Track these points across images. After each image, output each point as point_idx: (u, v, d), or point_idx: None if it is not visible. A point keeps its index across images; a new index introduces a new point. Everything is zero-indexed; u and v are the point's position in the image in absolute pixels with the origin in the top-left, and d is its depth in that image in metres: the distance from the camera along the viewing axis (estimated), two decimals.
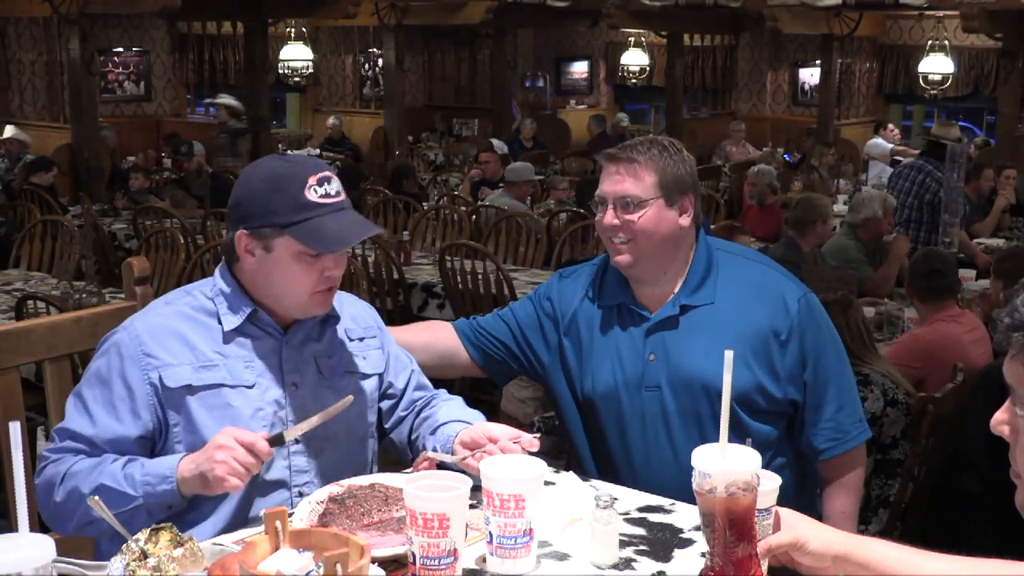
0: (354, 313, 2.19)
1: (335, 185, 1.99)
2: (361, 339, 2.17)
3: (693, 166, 2.33)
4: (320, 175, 1.97)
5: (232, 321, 2.01)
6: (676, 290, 2.31)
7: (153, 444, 1.98)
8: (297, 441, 2.02)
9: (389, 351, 2.23)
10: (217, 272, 2.07)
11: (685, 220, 2.29)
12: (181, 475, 1.85)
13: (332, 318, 2.12)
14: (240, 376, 1.99)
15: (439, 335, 2.52)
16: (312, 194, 1.95)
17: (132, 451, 1.94)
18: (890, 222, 5.84)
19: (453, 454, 2.02)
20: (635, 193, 2.25)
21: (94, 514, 1.77)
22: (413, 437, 2.21)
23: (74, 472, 1.90)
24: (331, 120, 13.56)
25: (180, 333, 1.99)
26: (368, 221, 2.06)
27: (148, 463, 1.89)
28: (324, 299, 2.02)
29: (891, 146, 11.78)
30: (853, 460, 2.36)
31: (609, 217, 2.27)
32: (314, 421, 1.90)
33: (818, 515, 2.29)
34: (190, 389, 1.95)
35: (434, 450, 2.08)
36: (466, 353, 2.49)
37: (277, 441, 1.87)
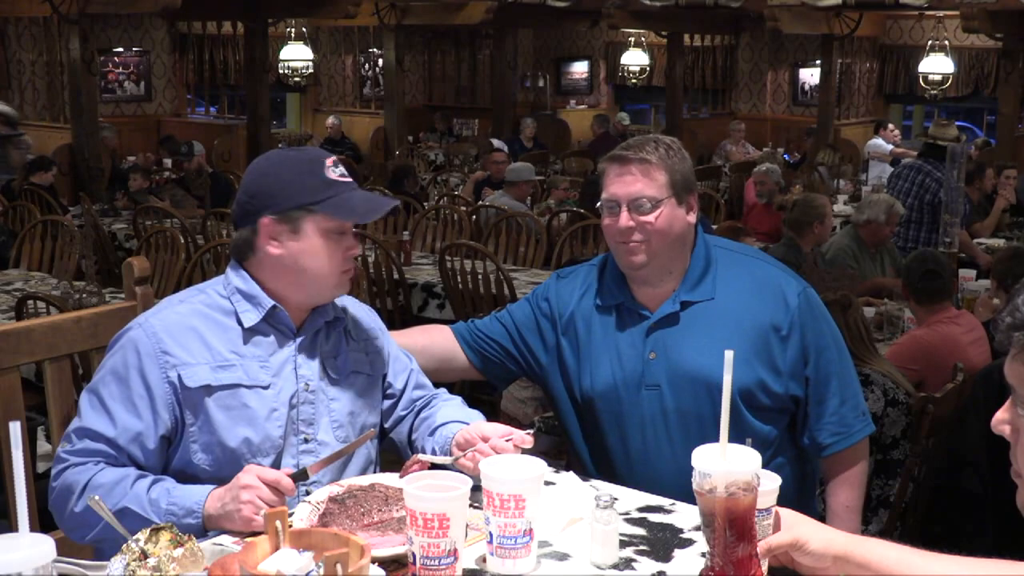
0: (356, 315, 2.20)
1: (344, 167, 2.07)
2: (364, 340, 2.17)
3: (691, 164, 2.36)
4: (332, 158, 2.07)
5: (251, 318, 2.01)
6: (676, 288, 2.31)
7: (169, 442, 1.97)
8: (307, 439, 2.03)
9: (390, 352, 2.23)
10: (229, 270, 2.06)
11: (692, 217, 2.31)
12: (207, 512, 1.85)
13: (337, 319, 2.12)
14: (256, 376, 1.99)
15: (437, 339, 2.52)
16: (332, 173, 2.01)
17: (152, 449, 1.94)
18: (892, 230, 5.84)
19: (449, 455, 2.03)
20: (650, 194, 2.25)
21: (113, 531, 1.77)
22: (412, 437, 2.21)
23: (96, 485, 1.88)
24: (330, 120, 13.64)
25: (197, 331, 1.98)
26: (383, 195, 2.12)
27: (175, 491, 1.88)
28: (347, 279, 2.07)
29: (891, 148, 11.77)
30: (857, 454, 2.37)
31: (624, 220, 2.26)
32: (335, 456, 1.95)
33: (818, 515, 2.29)
34: (208, 389, 1.95)
35: (432, 452, 2.09)
36: (464, 357, 2.49)
37: (300, 476, 1.88)
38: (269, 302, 2.01)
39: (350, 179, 2.05)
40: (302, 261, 2.00)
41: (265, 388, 1.99)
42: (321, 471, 1.97)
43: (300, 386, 2.03)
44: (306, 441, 2.03)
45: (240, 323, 2.01)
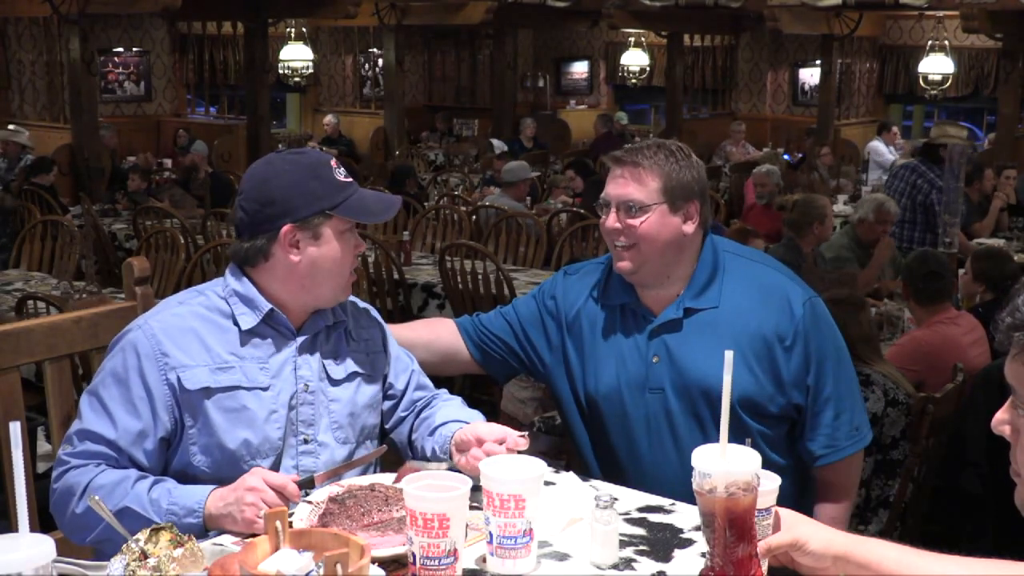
0: (357, 315, 2.19)
1: (344, 168, 2.08)
2: (366, 341, 2.17)
3: (702, 172, 2.29)
4: (334, 159, 2.07)
5: (248, 321, 2.00)
6: (680, 292, 2.29)
7: (169, 444, 1.97)
8: (307, 440, 2.03)
9: (391, 352, 2.23)
10: (228, 273, 2.05)
11: (689, 227, 2.26)
12: (208, 512, 1.84)
13: (339, 321, 2.12)
14: (255, 378, 1.98)
15: (441, 333, 2.52)
16: (340, 175, 2.03)
17: (153, 451, 1.94)
18: (885, 228, 5.84)
19: (449, 455, 2.03)
20: (638, 197, 2.22)
21: (114, 532, 1.77)
22: (412, 437, 2.21)
23: (97, 486, 1.88)
24: (328, 118, 13.86)
25: (196, 333, 1.98)
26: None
27: (175, 490, 1.88)
28: (350, 284, 2.10)
29: (892, 156, 11.75)
30: (848, 467, 2.34)
31: (611, 220, 2.25)
32: (343, 468, 1.95)
33: (818, 517, 2.28)
34: (207, 392, 1.94)
35: (432, 452, 2.09)
36: (467, 351, 2.49)
37: (307, 484, 1.88)
38: (267, 306, 2.01)
39: (351, 179, 2.07)
40: (319, 265, 2.00)
41: (264, 390, 1.99)
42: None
43: (299, 387, 2.03)
44: (306, 442, 2.03)
45: (238, 325, 2.00)
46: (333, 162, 2.04)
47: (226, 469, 1.94)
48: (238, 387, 1.96)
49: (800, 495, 2.36)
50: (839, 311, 3.41)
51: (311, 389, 2.04)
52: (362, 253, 2.11)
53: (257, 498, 1.79)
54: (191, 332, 1.98)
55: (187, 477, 1.95)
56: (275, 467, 1.98)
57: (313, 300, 2.05)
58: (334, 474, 1.96)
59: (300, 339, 2.04)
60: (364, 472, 2.10)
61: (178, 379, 1.93)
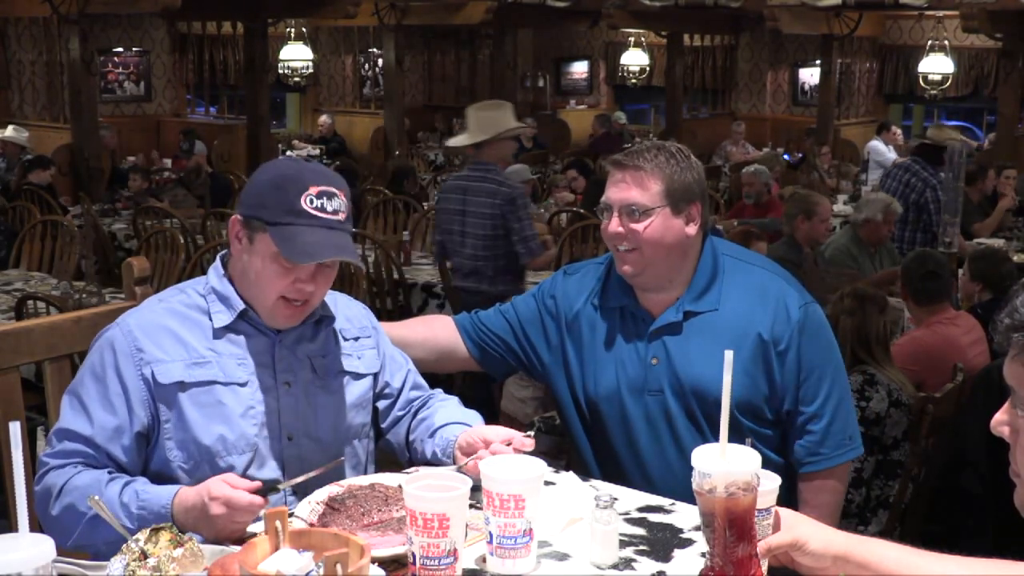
0: (348, 313, 2.19)
1: (336, 203, 1.97)
2: (356, 339, 2.16)
3: (701, 173, 2.29)
4: (323, 188, 1.96)
5: (222, 319, 2.00)
6: (680, 295, 2.29)
7: (147, 441, 1.97)
8: (290, 438, 2.02)
9: (384, 351, 2.22)
10: (211, 269, 2.07)
11: (692, 229, 2.26)
12: (176, 517, 1.83)
13: (327, 318, 2.11)
14: (233, 374, 1.98)
15: (439, 330, 2.52)
16: (306, 203, 1.94)
17: (130, 447, 1.94)
18: (890, 228, 5.86)
19: (451, 457, 2.03)
20: (641, 201, 2.22)
21: (93, 536, 1.78)
22: (411, 438, 2.21)
23: (71, 488, 1.89)
24: (323, 118, 13.98)
25: (172, 330, 1.98)
26: (352, 248, 2.02)
27: (144, 492, 1.87)
28: (291, 312, 2.00)
29: (892, 156, 11.76)
30: (832, 478, 2.30)
31: (614, 225, 2.25)
32: (309, 476, 1.91)
33: None
34: (182, 386, 1.95)
35: (433, 454, 2.09)
36: (465, 349, 2.49)
37: (271, 490, 1.87)
38: (240, 305, 2.01)
39: (330, 216, 1.95)
40: (250, 270, 1.99)
41: (242, 385, 1.99)
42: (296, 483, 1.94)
43: (280, 384, 2.02)
44: (289, 439, 2.02)
45: (213, 322, 2.01)
46: (315, 188, 1.94)
47: (203, 465, 1.94)
48: (214, 382, 1.96)
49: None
50: (863, 306, 3.43)
51: (294, 386, 2.03)
52: (309, 292, 1.97)
53: (223, 513, 1.77)
54: (167, 328, 1.98)
55: (165, 476, 1.95)
56: (253, 463, 1.98)
57: (256, 305, 2.02)
58: (298, 481, 1.91)
59: (281, 336, 2.04)
60: (355, 474, 2.10)
61: (152, 374, 1.94)
